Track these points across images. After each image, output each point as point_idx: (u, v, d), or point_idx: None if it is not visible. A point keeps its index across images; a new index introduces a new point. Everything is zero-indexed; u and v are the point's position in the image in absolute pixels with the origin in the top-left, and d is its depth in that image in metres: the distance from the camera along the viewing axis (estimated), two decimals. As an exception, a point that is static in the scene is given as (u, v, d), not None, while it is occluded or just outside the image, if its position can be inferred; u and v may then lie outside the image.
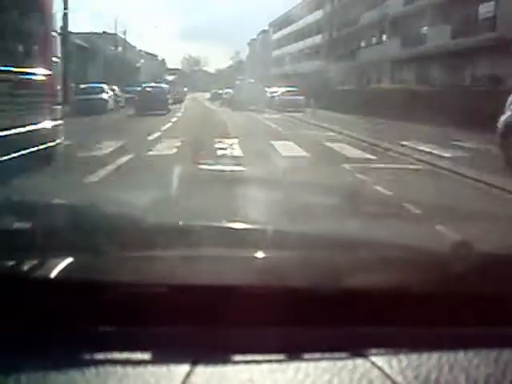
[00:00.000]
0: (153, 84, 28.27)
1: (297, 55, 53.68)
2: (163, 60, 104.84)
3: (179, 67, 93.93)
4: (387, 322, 0.80)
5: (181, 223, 1.07)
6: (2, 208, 1.17)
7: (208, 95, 53.57)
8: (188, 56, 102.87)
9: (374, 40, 37.08)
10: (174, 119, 19.92)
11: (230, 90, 36.97)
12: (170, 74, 42.90)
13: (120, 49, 49.85)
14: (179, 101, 36.93)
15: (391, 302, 0.81)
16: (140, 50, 74.20)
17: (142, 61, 72.89)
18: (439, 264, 0.92)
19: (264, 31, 69.80)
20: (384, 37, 35.09)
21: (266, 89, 32.66)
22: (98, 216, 1.11)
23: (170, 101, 25.80)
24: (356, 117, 20.45)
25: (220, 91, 47.41)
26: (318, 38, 46.80)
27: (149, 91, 25.95)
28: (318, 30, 46.83)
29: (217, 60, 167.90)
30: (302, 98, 28.93)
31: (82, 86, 26.84)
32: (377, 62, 33.91)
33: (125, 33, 51.98)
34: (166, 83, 37.15)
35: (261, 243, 0.96)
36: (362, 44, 38.77)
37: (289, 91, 30.93)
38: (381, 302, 0.80)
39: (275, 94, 32.33)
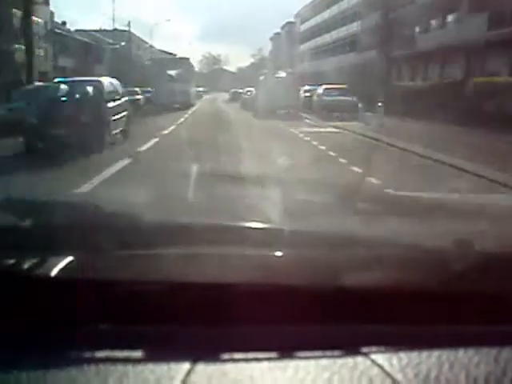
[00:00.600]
0: (72, 78, 12.82)
1: (330, 47, 45.37)
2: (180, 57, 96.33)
3: (191, 59, 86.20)
4: (387, 320, 0.84)
5: (181, 221, 1.10)
6: (3, 206, 1.18)
7: (227, 96, 49.76)
8: (207, 54, 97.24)
9: (433, 23, 27.60)
10: (124, 162, 8.51)
11: (252, 89, 27.80)
12: (179, 65, 32.72)
13: (123, 43, 41.36)
14: (186, 105, 27.56)
15: (391, 300, 0.85)
16: (151, 46, 65.94)
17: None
18: (439, 262, 0.94)
19: (289, 23, 63.36)
20: (449, 17, 25.56)
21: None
22: (99, 214, 1.13)
23: (138, 112, 14.15)
24: (492, 137, 10.62)
25: (240, 90, 42.62)
26: (354, 26, 42.27)
27: (52, 97, 11.08)
28: (353, 17, 42.43)
29: (238, 59, 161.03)
30: (353, 98, 19.41)
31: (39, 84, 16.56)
32: (444, 48, 24.21)
33: (129, 24, 43.48)
34: (169, 80, 27.50)
35: (261, 242, 0.98)
36: (417, 29, 29.39)
37: (334, 89, 21.32)
38: (381, 300, 0.84)
39: (313, 93, 22.63)
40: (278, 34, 74.23)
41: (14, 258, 0.88)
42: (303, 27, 60.31)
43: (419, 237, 1.09)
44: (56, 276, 0.84)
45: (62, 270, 0.85)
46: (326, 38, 50.48)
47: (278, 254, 0.96)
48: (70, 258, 0.89)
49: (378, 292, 0.85)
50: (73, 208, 1.25)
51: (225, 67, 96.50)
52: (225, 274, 0.89)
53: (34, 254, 0.90)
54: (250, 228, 1.04)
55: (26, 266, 0.86)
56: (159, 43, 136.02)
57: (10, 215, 1.11)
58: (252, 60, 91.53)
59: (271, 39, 78.65)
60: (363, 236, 1.02)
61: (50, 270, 0.85)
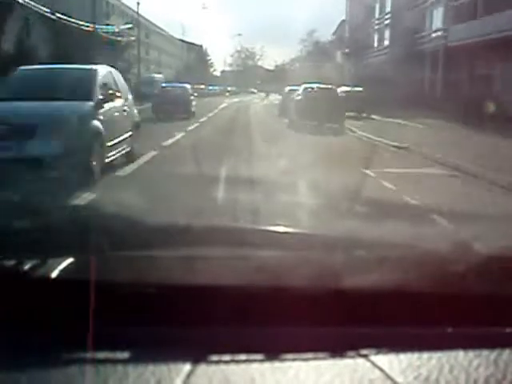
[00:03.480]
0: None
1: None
2: (201, 48, 68.28)
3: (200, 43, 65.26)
4: (388, 322, 0.84)
5: (180, 223, 1.09)
6: (3, 208, 1.18)
7: (270, 100, 30.95)
8: (240, 48, 79.73)
9: None
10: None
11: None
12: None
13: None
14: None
15: (392, 302, 0.85)
16: (150, 22, 41.32)
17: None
18: (439, 264, 0.94)
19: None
20: None
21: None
22: (99, 216, 1.13)
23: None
24: None
25: (313, 87, 17.67)
26: None
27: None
28: None
29: (274, 55, 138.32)
30: None
31: None
32: None
33: None
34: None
35: (260, 243, 0.98)
36: None
37: None
38: (381, 303, 0.85)
39: None
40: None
41: (15, 259, 0.88)
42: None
43: (419, 238, 1.08)
44: (56, 277, 0.84)
45: (62, 271, 0.85)
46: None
47: (278, 255, 0.96)
48: (70, 260, 0.89)
49: (377, 294, 0.85)
50: (73, 210, 1.24)
51: (259, 64, 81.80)
52: (225, 276, 0.89)
53: (35, 255, 0.90)
54: (250, 230, 1.03)
55: (26, 267, 0.86)
56: (192, 38, 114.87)
57: (10, 217, 1.09)
58: (301, 47, 63.11)
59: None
60: (363, 238, 1.01)
61: (51, 271, 0.85)
